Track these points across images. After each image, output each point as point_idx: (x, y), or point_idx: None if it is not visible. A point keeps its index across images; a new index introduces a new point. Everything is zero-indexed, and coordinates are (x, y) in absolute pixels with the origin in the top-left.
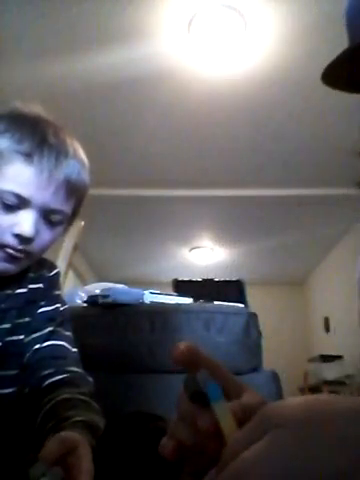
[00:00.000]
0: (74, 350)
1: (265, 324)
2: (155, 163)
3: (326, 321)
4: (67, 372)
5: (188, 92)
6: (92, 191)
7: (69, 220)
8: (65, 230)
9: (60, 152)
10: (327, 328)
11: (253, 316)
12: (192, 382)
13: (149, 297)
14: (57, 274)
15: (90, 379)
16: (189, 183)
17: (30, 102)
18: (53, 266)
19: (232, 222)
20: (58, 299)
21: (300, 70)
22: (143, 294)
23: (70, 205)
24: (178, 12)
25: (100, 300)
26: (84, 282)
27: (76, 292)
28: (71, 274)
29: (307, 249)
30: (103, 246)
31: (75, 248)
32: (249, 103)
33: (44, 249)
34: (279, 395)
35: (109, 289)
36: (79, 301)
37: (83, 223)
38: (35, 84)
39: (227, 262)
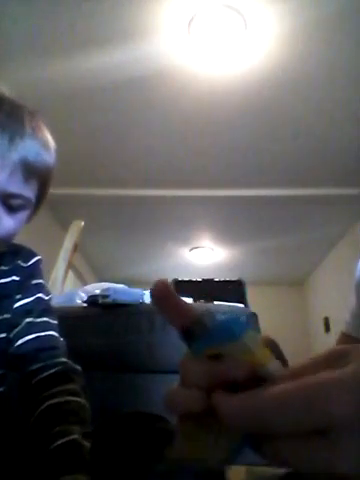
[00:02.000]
0: (61, 339)
1: (265, 324)
2: (155, 163)
3: (326, 321)
4: (56, 365)
5: (188, 92)
6: (92, 191)
7: (35, 205)
8: (30, 216)
9: (15, 132)
10: (327, 328)
11: (253, 316)
12: (200, 326)
13: (149, 297)
14: (36, 263)
15: (79, 368)
16: (189, 183)
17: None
18: (31, 255)
19: (232, 222)
20: (39, 288)
21: (300, 70)
22: (143, 294)
23: (31, 189)
24: (178, 12)
25: (100, 300)
26: (84, 282)
27: (76, 292)
28: (71, 274)
29: (307, 249)
30: (103, 246)
31: (75, 248)
32: (249, 103)
33: (7, 238)
34: None
35: (109, 289)
36: (79, 301)
37: (83, 223)
38: (35, 84)
39: (227, 262)
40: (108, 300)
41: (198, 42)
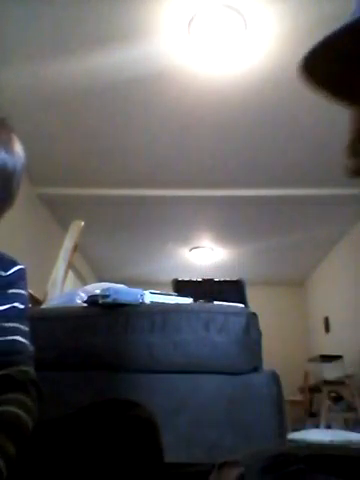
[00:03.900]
0: (31, 347)
1: (265, 324)
2: (155, 163)
3: (326, 321)
4: (9, 371)
5: (188, 92)
6: (92, 191)
7: None
8: None
9: None
10: (327, 328)
11: (253, 316)
12: None
13: (149, 297)
14: (16, 272)
15: (35, 379)
16: (189, 183)
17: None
18: (11, 264)
19: (232, 222)
20: (16, 298)
21: None
22: (143, 294)
23: None
24: (178, 12)
25: (100, 300)
26: (84, 282)
27: (76, 292)
28: (71, 274)
29: (307, 249)
30: (103, 246)
31: (75, 248)
32: (249, 103)
33: None
34: (279, 395)
35: (109, 289)
36: (79, 301)
37: (83, 223)
38: (35, 84)
39: (227, 262)
40: (108, 300)
41: (198, 42)
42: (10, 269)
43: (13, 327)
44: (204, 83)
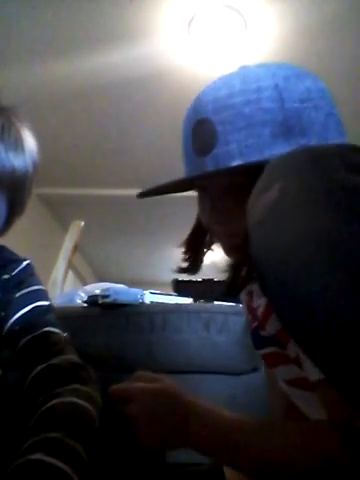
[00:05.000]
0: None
1: None
2: (155, 163)
3: None
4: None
5: (188, 92)
6: (92, 191)
7: (9, 211)
8: (6, 225)
9: None
10: None
11: None
12: None
13: (149, 297)
14: (22, 270)
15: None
16: None
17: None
18: (15, 263)
19: None
20: (35, 296)
21: None
22: (143, 294)
23: None
24: (178, 12)
25: (100, 300)
26: (84, 282)
27: (76, 292)
28: (71, 274)
29: None
30: (103, 246)
31: (75, 248)
32: None
33: None
34: None
35: (109, 289)
36: (79, 301)
37: (83, 223)
38: (35, 84)
39: (227, 262)
40: (108, 300)
41: (198, 42)
42: (16, 269)
43: (43, 321)
44: (204, 83)
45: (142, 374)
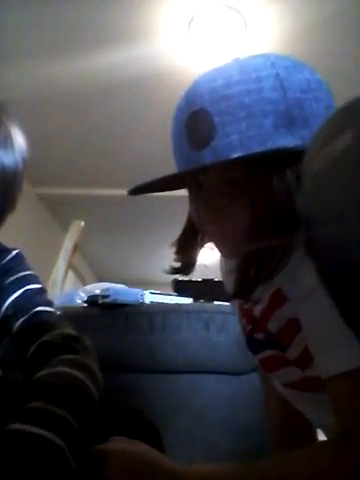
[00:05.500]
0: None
1: None
2: (155, 163)
3: None
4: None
5: None
6: (92, 191)
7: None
8: None
9: None
10: None
11: None
12: None
13: (149, 297)
14: (13, 258)
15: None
16: None
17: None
18: (5, 253)
19: None
20: (25, 281)
21: None
22: (143, 294)
23: None
24: (178, 12)
25: (100, 300)
26: (84, 282)
27: (76, 292)
28: (71, 274)
29: None
30: (103, 246)
31: (75, 248)
32: None
33: None
34: None
35: (109, 289)
36: (79, 301)
37: (83, 223)
38: (35, 84)
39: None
40: (108, 300)
41: (198, 42)
42: (5, 258)
43: (33, 302)
44: None
45: (118, 439)
